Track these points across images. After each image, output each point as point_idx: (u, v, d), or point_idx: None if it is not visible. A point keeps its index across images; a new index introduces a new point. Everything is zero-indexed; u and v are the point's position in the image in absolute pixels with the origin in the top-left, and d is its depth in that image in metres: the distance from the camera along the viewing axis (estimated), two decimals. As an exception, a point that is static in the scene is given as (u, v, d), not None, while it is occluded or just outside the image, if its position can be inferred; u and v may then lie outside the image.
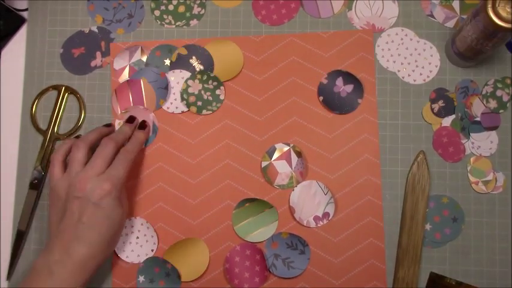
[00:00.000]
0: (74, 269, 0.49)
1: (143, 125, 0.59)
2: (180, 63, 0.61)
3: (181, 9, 0.62)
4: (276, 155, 0.58)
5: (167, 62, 0.61)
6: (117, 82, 0.61)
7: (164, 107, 0.60)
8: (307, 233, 0.57)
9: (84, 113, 0.61)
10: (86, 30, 0.62)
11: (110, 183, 0.51)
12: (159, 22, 0.62)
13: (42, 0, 0.63)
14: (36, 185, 0.60)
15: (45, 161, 0.60)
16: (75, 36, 0.62)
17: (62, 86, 0.61)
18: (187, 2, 0.62)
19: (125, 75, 0.61)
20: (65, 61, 0.62)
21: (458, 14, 0.60)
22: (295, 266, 0.57)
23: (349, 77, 0.59)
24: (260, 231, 0.57)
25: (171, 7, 0.62)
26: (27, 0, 0.64)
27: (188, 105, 0.60)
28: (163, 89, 0.60)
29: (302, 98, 0.59)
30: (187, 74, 0.60)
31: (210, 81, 0.60)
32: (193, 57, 0.60)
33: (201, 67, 0.60)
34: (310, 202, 0.57)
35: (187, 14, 0.62)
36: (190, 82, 0.60)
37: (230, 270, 0.57)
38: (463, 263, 0.57)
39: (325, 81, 0.59)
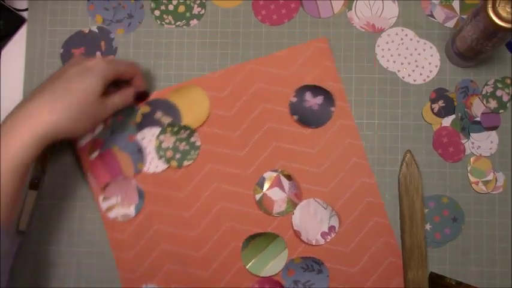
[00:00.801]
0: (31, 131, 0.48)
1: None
2: (147, 121, 0.59)
3: (181, 9, 0.62)
4: (266, 184, 0.58)
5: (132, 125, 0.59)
6: (88, 161, 0.59)
7: (144, 170, 0.59)
8: (319, 251, 0.57)
9: None
10: (86, 30, 0.62)
11: (107, 65, 0.52)
12: (159, 22, 0.62)
13: (42, 0, 0.63)
14: (36, 185, 0.59)
15: (45, 161, 0.60)
16: (75, 36, 0.62)
17: None
18: (187, 2, 0.62)
19: (95, 152, 0.59)
20: (65, 61, 0.62)
21: (458, 14, 0.60)
22: (317, 286, 0.57)
23: (316, 90, 0.59)
24: (272, 263, 0.57)
25: (171, 7, 0.62)
26: (27, 0, 0.64)
27: (167, 160, 0.58)
28: (137, 152, 0.59)
29: (276, 122, 0.59)
30: (157, 130, 0.59)
31: (182, 131, 0.58)
32: (158, 112, 0.59)
33: (169, 119, 0.59)
34: (313, 221, 0.57)
35: (187, 14, 0.62)
36: (162, 137, 0.58)
37: None
38: (463, 263, 0.57)
39: (294, 100, 0.59)
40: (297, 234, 0.57)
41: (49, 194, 0.60)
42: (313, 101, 0.58)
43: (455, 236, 0.57)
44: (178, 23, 0.62)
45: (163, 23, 0.62)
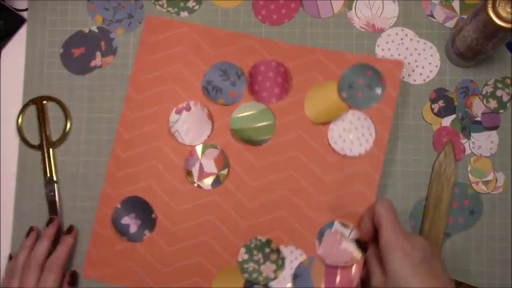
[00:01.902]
0: None
1: (70, 229, 0.58)
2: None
3: None
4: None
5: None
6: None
7: None
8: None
9: (70, 121, 0.61)
10: (86, 30, 0.62)
11: None
12: (152, 0, 0.62)
13: (42, 0, 0.63)
14: (53, 197, 0.59)
15: (50, 172, 0.60)
16: (75, 36, 0.62)
17: (38, 97, 0.61)
18: None
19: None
20: (65, 61, 0.62)
21: (458, 14, 0.60)
22: None
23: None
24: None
25: None
26: (27, 0, 0.64)
27: None
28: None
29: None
30: None
31: None
32: None
33: None
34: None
35: (181, 4, 0.62)
36: None
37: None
38: (463, 263, 0.57)
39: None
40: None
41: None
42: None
43: (466, 228, 0.57)
44: (169, 9, 0.62)
45: (156, 3, 0.62)
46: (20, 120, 0.61)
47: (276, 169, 0.58)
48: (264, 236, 0.57)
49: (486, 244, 0.57)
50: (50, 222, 0.57)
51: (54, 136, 0.61)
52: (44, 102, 0.61)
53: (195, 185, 0.58)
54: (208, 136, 0.59)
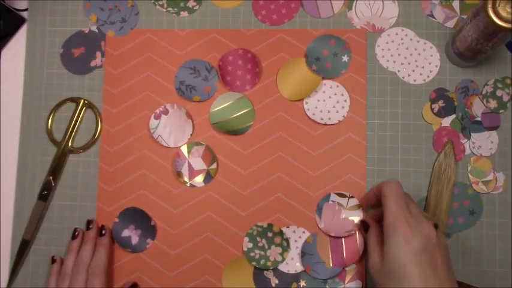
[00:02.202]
0: None
1: (103, 230, 0.58)
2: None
3: None
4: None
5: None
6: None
7: None
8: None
9: (101, 126, 0.60)
10: (86, 30, 0.62)
11: None
12: (152, 1, 0.62)
13: (42, 0, 0.63)
14: (46, 196, 0.59)
15: (56, 173, 0.60)
16: (75, 36, 0.62)
17: (80, 99, 0.61)
18: None
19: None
20: (65, 61, 0.62)
21: (458, 14, 0.60)
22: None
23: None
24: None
25: None
26: (27, 0, 0.64)
27: None
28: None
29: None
30: None
31: None
32: None
33: None
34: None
35: (181, 4, 0.62)
36: None
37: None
38: (463, 263, 0.57)
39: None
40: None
41: (58, 206, 0.60)
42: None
43: (466, 228, 0.57)
44: (169, 9, 0.62)
45: (156, 3, 0.62)
46: (52, 114, 0.61)
47: (263, 154, 0.59)
48: (264, 222, 0.57)
49: (486, 244, 0.57)
50: (88, 225, 0.58)
51: (77, 141, 0.61)
52: (84, 106, 0.61)
53: (188, 184, 0.59)
54: (191, 134, 0.59)
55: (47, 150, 0.61)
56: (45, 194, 0.59)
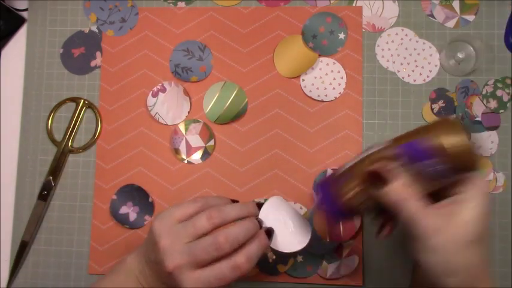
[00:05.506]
0: None
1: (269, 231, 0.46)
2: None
3: None
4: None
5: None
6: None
7: None
8: None
9: (101, 126, 0.60)
10: (86, 30, 0.62)
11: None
12: None
13: (42, 0, 0.63)
14: (45, 196, 0.60)
15: (56, 173, 0.60)
16: (75, 36, 0.62)
17: (80, 99, 0.61)
18: None
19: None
20: (65, 61, 0.62)
21: (458, 14, 0.60)
22: None
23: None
24: None
25: None
26: (27, 0, 0.64)
27: None
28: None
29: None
30: None
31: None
32: None
33: None
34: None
35: None
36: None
37: None
38: (463, 263, 0.57)
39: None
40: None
41: (58, 206, 0.60)
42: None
43: None
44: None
45: None
46: (53, 113, 0.61)
47: (260, 131, 0.59)
48: (261, 198, 0.58)
49: (486, 244, 0.57)
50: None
51: (77, 141, 0.61)
52: (84, 106, 0.61)
53: (185, 161, 0.59)
54: (188, 112, 0.59)
55: (47, 150, 0.61)
56: (45, 194, 0.60)
